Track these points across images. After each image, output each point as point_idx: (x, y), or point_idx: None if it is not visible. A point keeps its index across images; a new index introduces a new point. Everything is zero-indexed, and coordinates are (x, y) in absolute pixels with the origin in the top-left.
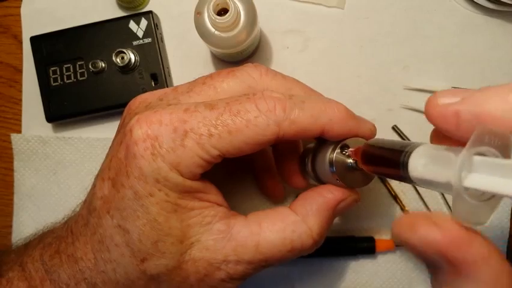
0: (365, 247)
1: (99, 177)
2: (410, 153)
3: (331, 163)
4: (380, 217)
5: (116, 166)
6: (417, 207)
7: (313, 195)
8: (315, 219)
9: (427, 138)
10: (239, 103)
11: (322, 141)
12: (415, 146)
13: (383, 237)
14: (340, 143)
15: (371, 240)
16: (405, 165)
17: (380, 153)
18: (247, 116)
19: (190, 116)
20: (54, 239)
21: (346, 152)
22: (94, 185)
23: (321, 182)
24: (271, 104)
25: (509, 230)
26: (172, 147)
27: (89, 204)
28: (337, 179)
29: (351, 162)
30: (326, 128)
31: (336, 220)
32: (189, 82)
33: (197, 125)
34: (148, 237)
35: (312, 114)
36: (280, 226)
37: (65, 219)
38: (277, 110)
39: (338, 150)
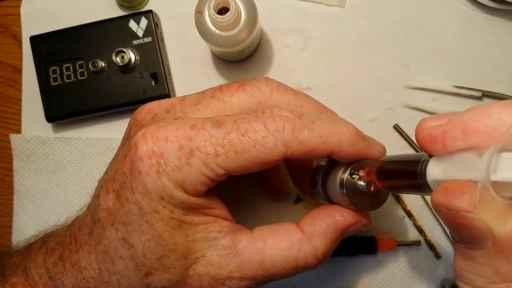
0: (367, 246)
1: (104, 188)
2: (427, 161)
3: (342, 185)
4: (381, 217)
5: (121, 179)
6: (419, 206)
7: (322, 215)
8: (322, 240)
9: None
10: (247, 121)
11: (333, 161)
12: (428, 160)
13: (384, 236)
14: (351, 165)
15: (373, 239)
16: (422, 173)
17: (396, 167)
18: (255, 136)
19: (197, 133)
20: (57, 244)
21: (357, 174)
22: (98, 195)
23: (330, 201)
24: (280, 123)
25: None
26: (177, 165)
27: (93, 214)
28: (349, 203)
29: (362, 185)
30: (336, 149)
31: None
32: (198, 93)
33: (203, 144)
34: (153, 253)
35: (322, 135)
36: (286, 244)
37: (67, 222)
38: (286, 130)
39: (348, 173)
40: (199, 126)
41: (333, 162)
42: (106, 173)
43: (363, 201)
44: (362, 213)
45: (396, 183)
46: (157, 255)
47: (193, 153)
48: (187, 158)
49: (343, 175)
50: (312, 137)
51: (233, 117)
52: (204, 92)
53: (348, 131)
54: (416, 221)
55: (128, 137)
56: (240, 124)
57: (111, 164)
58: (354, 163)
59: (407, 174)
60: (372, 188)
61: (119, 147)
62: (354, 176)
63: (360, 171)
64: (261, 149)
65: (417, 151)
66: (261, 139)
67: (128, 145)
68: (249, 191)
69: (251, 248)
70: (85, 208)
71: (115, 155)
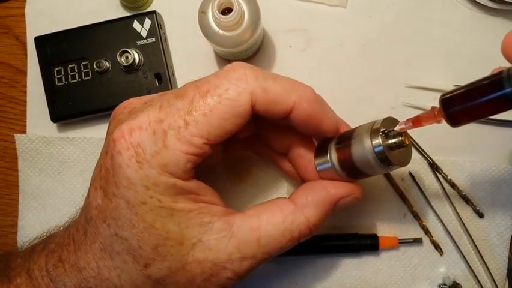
0: (368, 244)
1: (92, 185)
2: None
3: (379, 146)
4: (383, 214)
5: (105, 175)
6: (421, 204)
7: (315, 187)
8: (314, 210)
9: (430, 136)
10: (207, 82)
11: (343, 136)
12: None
13: (386, 234)
14: (370, 132)
15: (374, 237)
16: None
17: (471, 88)
18: (217, 92)
19: (166, 113)
20: (57, 246)
21: (385, 133)
22: (88, 193)
23: (351, 173)
24: (241, 72)
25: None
26: (155, 150)
27: (86, 213)
28: (389, 164)
29: (395, 142)
30: (296, 103)
31: (340, 217)
32: (178, 88)
33: (173, 119)
34: (148, 243)
35: (285, 87)
36: (279, 218)
37: (68, 223)
38: (249, 77)
39: (381, 133)
40: (166, 105)
41: (344, 136)
42: (94, 171)
43: (399, 158)
44: (354, 186)
45: (476, 104)
46: (152, 245)
47: (166, 133)
48: (162, 140)
49: (375, 138)
50: (275, 87)
51: (194, 83)
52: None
53: (308, 90)
54: (421, 221)
55: (108, 132)
56: (201, 87)
57: (98, 160)
58: (376, 123)
59: (489, 89)
60: (406, 141)
61: (104, 141)
62: (385, 134)
63: (402, 123)
64: (227, 102)
65: (419, 150)
66: (224, 92)
67: (108, 141)
68: (245, 190)
69: (246, 226)
70: (80, 209)
71: (100, 152)
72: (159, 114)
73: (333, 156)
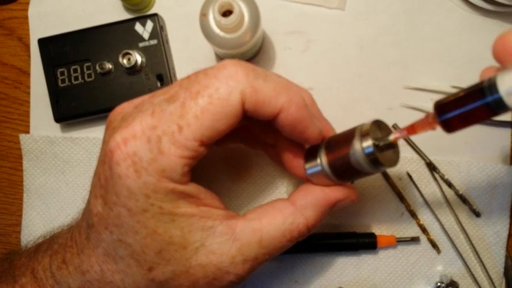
0: (367, 243)
1: (92, 193)
2: (495, 77)
3: (369, 148)
4: (381, 213)
5: (104, 184)
6: (418, 203)
7: (314, 190)
8: (313, 212)
9: (427, 136)
10: (197, 83)
11: (334, 139)
12: (494, 76)
13: (384, 232)
14: (360, 134)
15: (372, 236)
16: (492, 86)
17: (459, 96)
18: (208, 92)
19: (159, 118)
20: (61, 247)
21: (383, 138)
22: (89, 200)
23: (340, 175)
24: (232, 70)
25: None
26: (151, 157)
27: (87, 218)
28: (379, 165)
29: (384, 143)
30: (284, 108)
31: (338, 216)
32: (167, 86)
33: (166, 125)
34: (151, 248)
35: (275, 88)
36: (280, 220)
37: (71, 223)
38: (239, 75)
39: (372, 138)
40: (158, 110)
41: (333, 140)
42: (93, 177)
43: (389, 158)
44: (351, 189)
45: (466, 112)
46: (155, 250)
47: (160, 139)
48: (158, 146)
49: (365, 140)
50: (265, 88)
51: (184, 84)
52: (172, 83)
53: (298, 94)
54: (419, 220)
55: (104, 141)
56: (191, 88)
57: (96, 168)
58: (365, 126)
59: (474, 98)
60: (395, 141)
61: (100, 150)
62: (374, 138)
63: (399, 129)
64: (217, 102)
65: (415, 150)
66: (215, 92)
67: (105, 151)
68: (244, 191)
69: (248, 229)
70: (82, 212)
71: (98, 158)
72: (152, 120)
73: (323, 159)
